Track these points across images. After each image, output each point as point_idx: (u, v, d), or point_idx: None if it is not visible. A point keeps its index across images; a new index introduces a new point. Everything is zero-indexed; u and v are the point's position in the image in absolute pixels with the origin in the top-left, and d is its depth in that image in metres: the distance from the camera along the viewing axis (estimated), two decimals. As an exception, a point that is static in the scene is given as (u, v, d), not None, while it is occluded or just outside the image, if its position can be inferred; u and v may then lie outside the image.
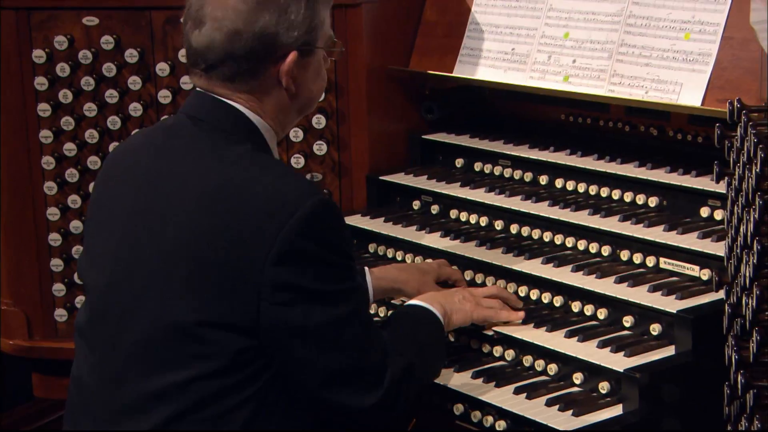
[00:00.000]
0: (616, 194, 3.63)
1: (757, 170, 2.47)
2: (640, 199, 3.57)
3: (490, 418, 3.10)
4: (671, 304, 3.11)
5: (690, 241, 3.30)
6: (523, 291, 3.46)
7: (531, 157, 3.87)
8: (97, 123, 4.19)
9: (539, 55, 3.85)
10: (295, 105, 3.00)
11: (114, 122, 4.17)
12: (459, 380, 3.21)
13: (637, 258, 3.39)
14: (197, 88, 2.98)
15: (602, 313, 3.27)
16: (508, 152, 3.94)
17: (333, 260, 2.78)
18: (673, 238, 3.32)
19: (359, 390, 2.84)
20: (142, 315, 2.81)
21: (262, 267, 2.71)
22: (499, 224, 3.75)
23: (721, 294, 2.92)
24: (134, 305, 2.83)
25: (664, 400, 2.96)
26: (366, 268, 3.46)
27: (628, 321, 3.21)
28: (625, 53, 3.63)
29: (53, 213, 4.24)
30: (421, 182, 4.03)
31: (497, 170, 3.97)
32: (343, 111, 4.09)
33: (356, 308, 2.84)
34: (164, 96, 4.13)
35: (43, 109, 4.19)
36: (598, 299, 3.28)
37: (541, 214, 3.62)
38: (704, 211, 3.43)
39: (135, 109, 4.14)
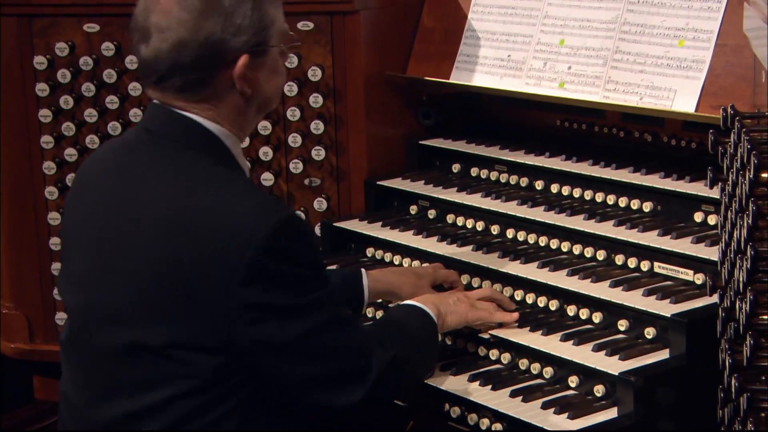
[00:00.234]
0: (610, 199, 3.64)
1: (751, 176, 2.48)
2: (635, 204, 3.58)
3: (487, 421, 3.10)
4: (665, 308, 3.12)
5: (684, 245, 3.31)
6: (519, 295, 3.47)
7: (527, 162, 3.88)
8: (98, 128, 4.21)
9: (535, 61, 3.86)
10: (252, 106, 2.93)
11: (114, 128, 4.19)
12: (455, 383, 3.22)
13: (632, 262, 3.40)
14: (154, 101, 2.92)
15: (597, 317, 3.28)
16: (504, 158, 3.95)
17: (300, 274, 2.75)
18: (668, 243, 3.33)
19: (345, 389, 2.85)
20: (117, 338, 2.80)
21: (228, 290, 2.69)
22: (495, 229, 3.76)
23: (714, 298, 2.92)
24: (108, 329, 2.82)
25: (659, 403, 2.97)
26: (362, 270, 3.48)
27: (622, 325, 3.21)
28: (619, 60, 3.64)
29: (54, 217, 4.26)
30: (419, 187, 4.04)
31: (493, 175, 3.98)
32: (342, 116, 4.11)
33: (330, 314, 2.82)
34: (164, 101, 4.15)
35: (45, 114, 4.21)
36: (593, 303, 3.29)
37: (537, 219, 3.63)
38: (698, 216, 3.43)
39: (135, 114, 4.15)
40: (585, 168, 3.75)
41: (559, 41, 3.82)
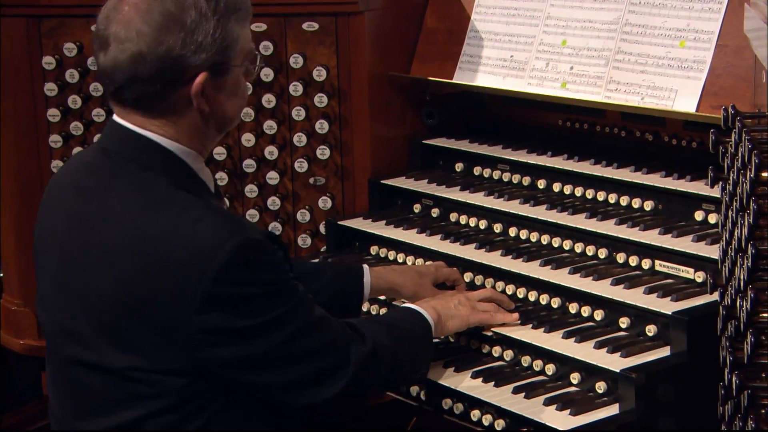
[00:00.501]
0: (612, 198, 3.65)
1: (752, 175, 2.49)
2: (636, 202, 3.59)
3: (489, 417, 3.12)
4: (667, 306, 3.13)
5: (685, 244, 3.32)
6: (521, 293, 3.48)
7: (529, 161, 3.89)
8: (105, 128, 4.24)
9: (537, 62, 3.88)
10: (211, 125, 2.87)
11: (121, 127, 4.21)
12: (458, 380, 3.23)
13: (633, 260, 3.41)
14: (113, 118, 2.88)
15: (599, 315, 3.29)
16: (507, 157, 3.96)
17: (260, 293, 2.72)
18: (669, 241, 3.34)
19: (322, 386, 2.84)
20: (82, 358, 2.81)
21: (188, 318, 2.68)
22: (498, 227, 3.77)
23: (715, 296, 2.92)
24: (73, 349, 2.83)
25: (660, 400, 2.98)
26: (365, 266, 3.49)
27: (624, 322, 3.23)
28: (621, 60, 3.65)
29: (61, 216, 4.28)
30: (422, 186, 4.05)
31: (496, 174, 3.99)
32: (346, 116, 4.12)
33: (299, 322, 2.79)
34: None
35: (53, 114, 4.22)
36: (595, 301, 3.30)
37: (539, 218, 3.64)
38: (699, 215, 3.44)
39: (141, 114, 4.18)
40: (587, 167, 3.76)
41: (562, 42, 3.84)
